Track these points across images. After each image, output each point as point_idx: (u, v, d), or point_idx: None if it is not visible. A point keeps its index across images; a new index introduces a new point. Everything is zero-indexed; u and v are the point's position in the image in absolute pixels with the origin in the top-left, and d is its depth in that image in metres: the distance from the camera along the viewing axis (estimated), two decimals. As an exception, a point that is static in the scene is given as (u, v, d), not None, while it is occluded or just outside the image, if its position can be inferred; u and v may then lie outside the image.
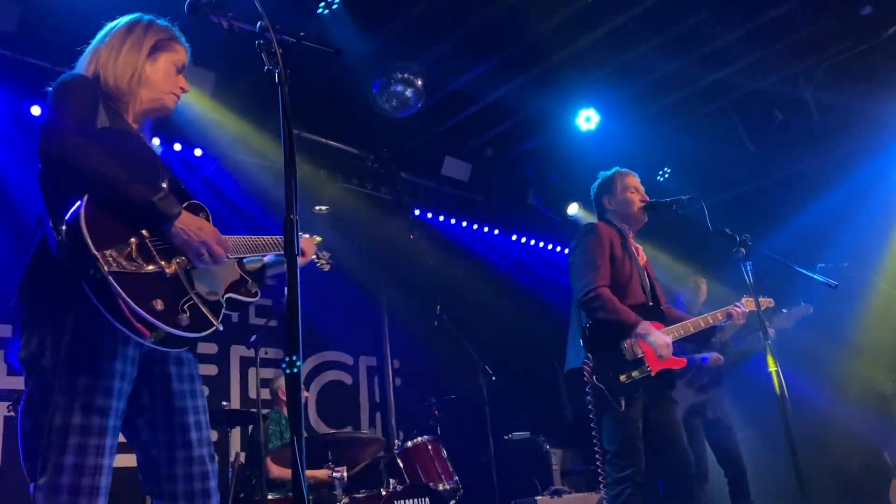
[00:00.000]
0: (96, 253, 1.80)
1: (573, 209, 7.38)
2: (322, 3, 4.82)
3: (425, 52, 5.57)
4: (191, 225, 2.01)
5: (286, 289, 1.75)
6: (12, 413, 4.25)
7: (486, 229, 7.74)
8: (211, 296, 2.07)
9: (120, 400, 1.95)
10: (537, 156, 7.15)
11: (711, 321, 3.77)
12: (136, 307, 1.81)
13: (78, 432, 1.85)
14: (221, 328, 2.07)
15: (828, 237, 5.87)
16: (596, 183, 4.01)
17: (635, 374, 3.41)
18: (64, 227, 1.84)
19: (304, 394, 5.95)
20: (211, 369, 6.46)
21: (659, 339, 3.45)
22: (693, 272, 5.43)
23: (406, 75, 5.61)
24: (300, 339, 1.71)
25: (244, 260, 2.34)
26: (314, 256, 2.76)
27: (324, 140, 6.30)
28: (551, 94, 6.08)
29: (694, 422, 4.94)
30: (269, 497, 4.62)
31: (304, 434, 1.68)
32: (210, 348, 6.41)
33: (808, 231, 5.99)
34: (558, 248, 8.16)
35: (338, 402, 7.27)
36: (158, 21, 2.34)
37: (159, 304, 1.87)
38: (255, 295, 2.28)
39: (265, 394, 5.77)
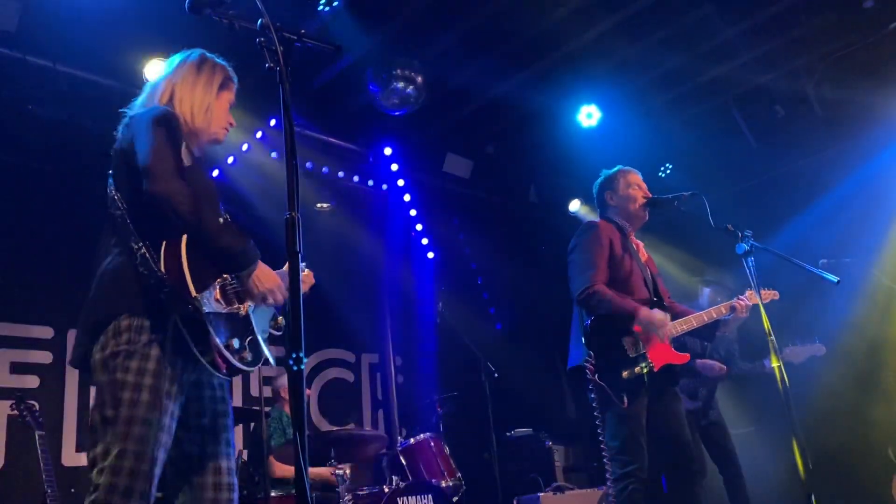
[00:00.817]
0: (196, 294, 2.03)
1: (575, 206, 7.38)
2: (323, 1, 4.82)
3: (426, 48, 5.56)
4: (263, 272, 2.25)
5: (287, 288, 1.82)
6: (15, 412, 4.25)
7: (487, 226, 7.74)
8: (262, 332, 2.35)
9: (177, 405, 2.13)
10: (539, 152, 7.15)
11: (715, 315, 3.76)
12: (220, 346, 2.08)
13: (142, 424, 2.02)
14: (273, 363, 2.34)
15: (830, 233, 5.85)
16: (599, 179, 4.02)
17: (638, 369, 3.40)
18: (164, 262, 2.04)
19: (307, 392, 5.96)
20: (213, 367, 6.46)
21: (656, 320, 3.44)
22: (723, 280, 5.41)
23: (407, 72, 5.60)
24: (303, 337, 1.76)
25: None
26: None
27: (325, 137, 6.30)
28: (552, 91, 6.08)
29: (688, 420, 4.93)
30: (273, 494, 4.63)
31: (308, 432, 1.69)
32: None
33: (810, 226, 5.98)
34: (560, 245, 8.14)
35: (340, 399, 7.27)
36: (219, 60, 2.51)
37: (235, 343, 2.15)
38: (282, 328, 2.49)
39: (267, 392, 5.78)
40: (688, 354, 3.67)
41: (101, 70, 4.97)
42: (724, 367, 4.99)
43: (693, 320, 3.70)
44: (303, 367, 1.75)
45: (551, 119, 6.50)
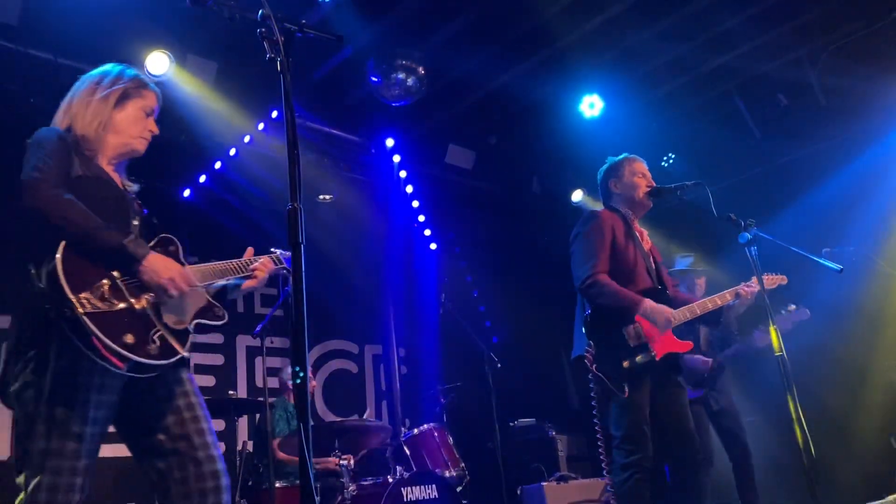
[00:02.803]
0: (72, 297, 2.03)
1: (577, 196, 7.37)
2: (323, -9, 4.80)
3: (427, 39, 5.54)
4: (157, 264, 2.22)
5: (291, 285, 1.81)
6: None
7: (490, 217, 7.73)
8: (178, 325, 2.29)
9: (95, 426, 2.15)
10: (541, 143, 7.13)
11: (720, 302, 3.76)
12: (109, 342, 2.05)
13: (55, 455, 2.06)
14: (187, 355, 2.29)
15: (833, 221, 5.83)
16: (604, 167, 4.01)
17: (639, 358, 3.40)
18: (44, 275, 2.07)
19: (311, 383, 5.98)
20: (217, 359, 6.48)
21: (659, 314, 3.44)
22: (691, 270, 5.40)
23: (408, 63, 5.59)
24: (306, 352, 1.77)
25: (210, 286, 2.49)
26: (275, 266, 2.73)
27: (327, 128, 6.30)
28: (555, 81, 6.06)
29: (697, 409, 4.93)
30: (277, 485, 4.65)
31: (311, 423, 1.70)
32: (216, 338, 6.43)
33: (813, 215, 5.96)
34: (563, 236, 8.14)
35: (344, 390, 7.30)
36: (127, 71, 2.54)
37: (130, 338, 2.10)
38: (222, 318, 2.45)
39: (272, 382, 5.80)
40: (690, 342, 3.66)
41: (104, 63, 4.95)
42: (709, 360, 4.98)
43: (697, 308, 3.70)
44: (298, 381, 1.75)
45: (554, 109, 6.49)
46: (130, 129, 2.48)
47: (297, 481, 4.46)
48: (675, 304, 3.68)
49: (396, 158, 6.82)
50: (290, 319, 1.78)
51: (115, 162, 2.48)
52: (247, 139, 5.93)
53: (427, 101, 5.99)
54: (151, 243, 2.34)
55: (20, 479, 2.08)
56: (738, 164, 6.74)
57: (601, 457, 3.54)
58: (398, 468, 4.97)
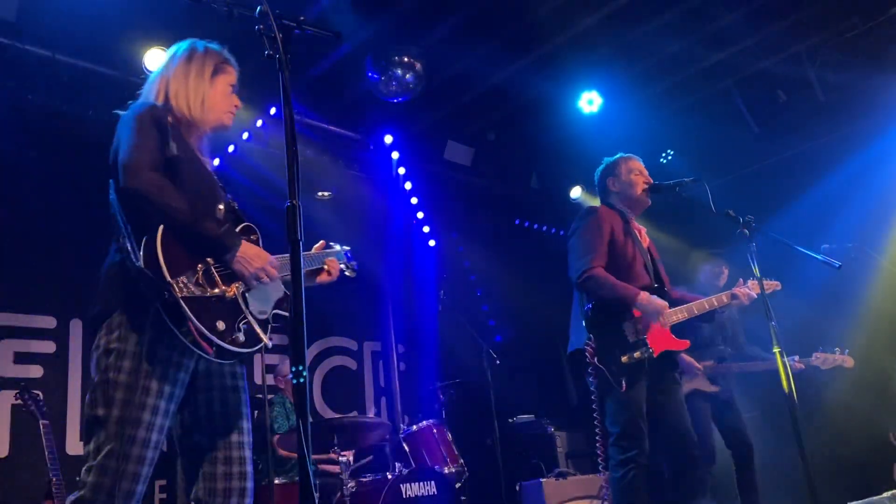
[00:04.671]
0: (171, 280, 2.06)
1: (576, 192, 7.36)
2: (321, -12, 4.79)
3: (425, 35, 5.53)
4: (249, 254, 2.26)
5: (290, 282, 1.82)
6: (19, 401, 4.27)
7: (489, 213, 7.73)
8: (261, 314, 2.32)
9: (170, 402, 2.17)
10: (540, 139, 7.13)
11: (716, 303, 3.77)
12: (203, 328, 2.09)
13: (130, 424, 2.07)
14: (270, 345, 2.32)
15: (832, 217, 5.83)
16: (601, 167, 4.01)
17: (637, 354, 3.41)
18: (143, 256, 2.08)
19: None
20: (216, 356, 6.48)
21: (654, 306, 3.44)
22: (715, 258, 5.39)
23: (406, 59, 5.58)
24: (305, 350, 1.78)
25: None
26: (343, 267, 2.85)
27: (325, 125, 6.29)
28: (553, 77, 6.05)
29: (700, 404, 4.94)
30: (277, 482, 4.65)
31: (310, 419, 1.70)
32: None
33: (812, 211, 5.96)
34: (561, 232, 8.16)
35: (343, 387, 7.29)
36: (211, 46, 2.54)
37: (221, 325, 2.15)
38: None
39: (270, 379, 5.80)
40: (688, 341, 3.67)
41: (101, 59, 4.95)
42: (701, 367, 4.98)
43: (694, 307, 3.70)
44: (302, 380, 1.75)
45: (552, 106, 6.48)
46: (222, 105, 2.50)
47: (297, 478, 4.47)
48: (673, 301, 3.69)
49: (395, 155, 6.81)
50: (288, 317, 1.79)
51: (202, 139, 2.49)
52: (245, 136, 5.92)
53: (425, 97, 5.98)
54: (237, 230, 2.36)
55: (90, 447, 2.08)
56: (737, 160, 6.74)
57: (598, 451, 3.55)
58: (397, 465, 4.97)
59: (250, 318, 2.26)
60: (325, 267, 2.67)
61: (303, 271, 1.86)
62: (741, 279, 3.93)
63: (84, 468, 2.07)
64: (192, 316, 2.06)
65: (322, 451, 4.80)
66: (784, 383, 3.16)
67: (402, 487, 4.53)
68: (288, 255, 2.39)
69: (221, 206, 2.37)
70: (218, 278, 2.20)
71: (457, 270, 7.74)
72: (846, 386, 5.81)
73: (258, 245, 2.38)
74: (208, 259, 2.19)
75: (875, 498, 4.13)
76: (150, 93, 2.44)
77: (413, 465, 5.02)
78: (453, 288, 6.58)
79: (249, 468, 2.31)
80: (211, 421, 2.28)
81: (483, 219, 7.87)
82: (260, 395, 5.02)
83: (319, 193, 6.57)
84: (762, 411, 5.96)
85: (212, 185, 2.40)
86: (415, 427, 5.27)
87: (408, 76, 5.62)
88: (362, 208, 6.94)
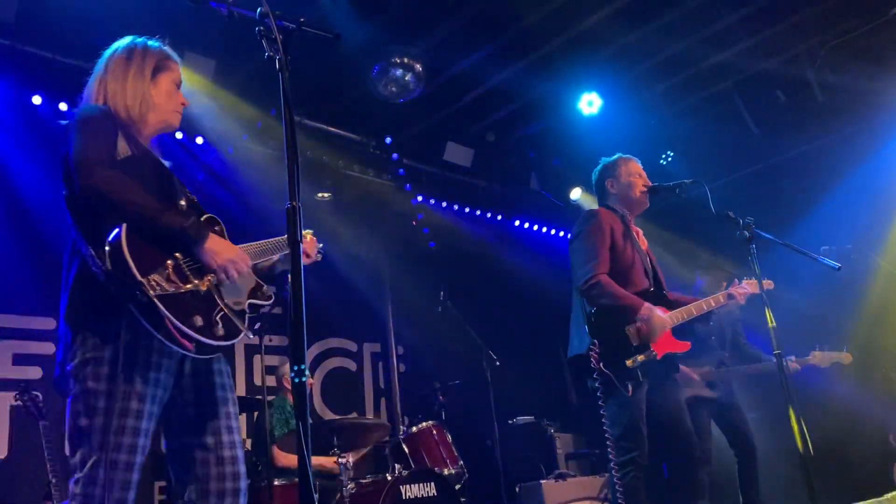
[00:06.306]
0: (142, 279, 1.99)
1: (576, 194, 7.36)
2: (321, -11, 4.79)
3: (425, 36, 5.53)
4: (217, 246, 2.20)
5: (290, 282, 1.81)
6: (19, 402, 4.27)
7: (488, 215, 7.73)
8: (237, 305, 2.27)
9: (154, 405, 2.13)
10: (540, 140, 7.12)
11: (714, 304, 3.77)
12: (181, 325, 2.02)
13: (114, 432, 2.03)
14: (251, 335, 2.30)
15: (831, 219, 5.84)
16: (598, 167, 4.00)
17: (641, 357, 3.41)
18: (108, 256, 2.01)
19: (309, 381, 5.97)
20: (215, 357, 6.47)
21: (656, 322, 3.45)
22: (720, 265, 5.38)
23: (405, 60, 5.57)
24: (305, 351, 1.77)
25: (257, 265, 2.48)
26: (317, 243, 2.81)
27: (325, 126, 6.29)
28: (553, 78, 6.05)
29: (699, 410, 4.93)
30: (276, 483, 4.65)
31: (310, 421, 1.70)
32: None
33: (811, 213, 5.97)
34: (561, 233, 8.16)
35: (342, 388, 7.30)
36: (150, 43, 2.44)
37: (199, 320, 2.08)
38: (270, 298, 2.44)
39: (270, 381, 5.80)
40: (688, 343, 3.67)
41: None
42: (697, 376, 4.97)
43: (693, 309, 3.70)
44: (304, 378, 1.73)
45: (552, 107, 6.48)
46: (166, 105, 2.41)
47: (296, 479, 4.46)
48: (671, 304, 3.69)
49: (395, 156, 6.81)
50: (288, 317, 1.78)
51: (152, 139, 2.42)
52: (245, 137, 5.92)
53: (425, 98, 5.98)
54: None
55: (76, 459, 2.05)
56: (737, 162, 6.75)
57: (609, 453, 3.54)
58: (397, 466, 4.97)
59: (226, 309, 2.20)
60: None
61: (302, 271, 1.83)
62: (736, 279, 3.94)
63: (72, 480, 2.05)
64: (168, 314, 1.99)
65: (321, 452, 4.80)
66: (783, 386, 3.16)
67: (402, 489, 4.52)
68: (249, 244, 2.42)
69: (183, 201, 2.31)
70: (189, 273, 2.14)
71: (456, 270, 7.72)
72: (846, 387, 5.81)
73: (223, 236, 2.34)
74: (176, 254, 2.12)
75: (876, 500, 4.13)
76: (89, 96, 2.36)
77: (413, 466, 5.02)
78: (453, 288, 6.57)
79: (242, 468, 2.26)
80: (200, 421, 2.24)
81: (482, 219, 7.85)
82: (260, 397, 5.01)
83: (319, 194, 6.58)
84: (762, 412, 5.95)
85: (170, 179, 2.34)
86: (414, 428, 5.27)
87: (408, 77, 5.62)
88: (362, 209, 6.94)
